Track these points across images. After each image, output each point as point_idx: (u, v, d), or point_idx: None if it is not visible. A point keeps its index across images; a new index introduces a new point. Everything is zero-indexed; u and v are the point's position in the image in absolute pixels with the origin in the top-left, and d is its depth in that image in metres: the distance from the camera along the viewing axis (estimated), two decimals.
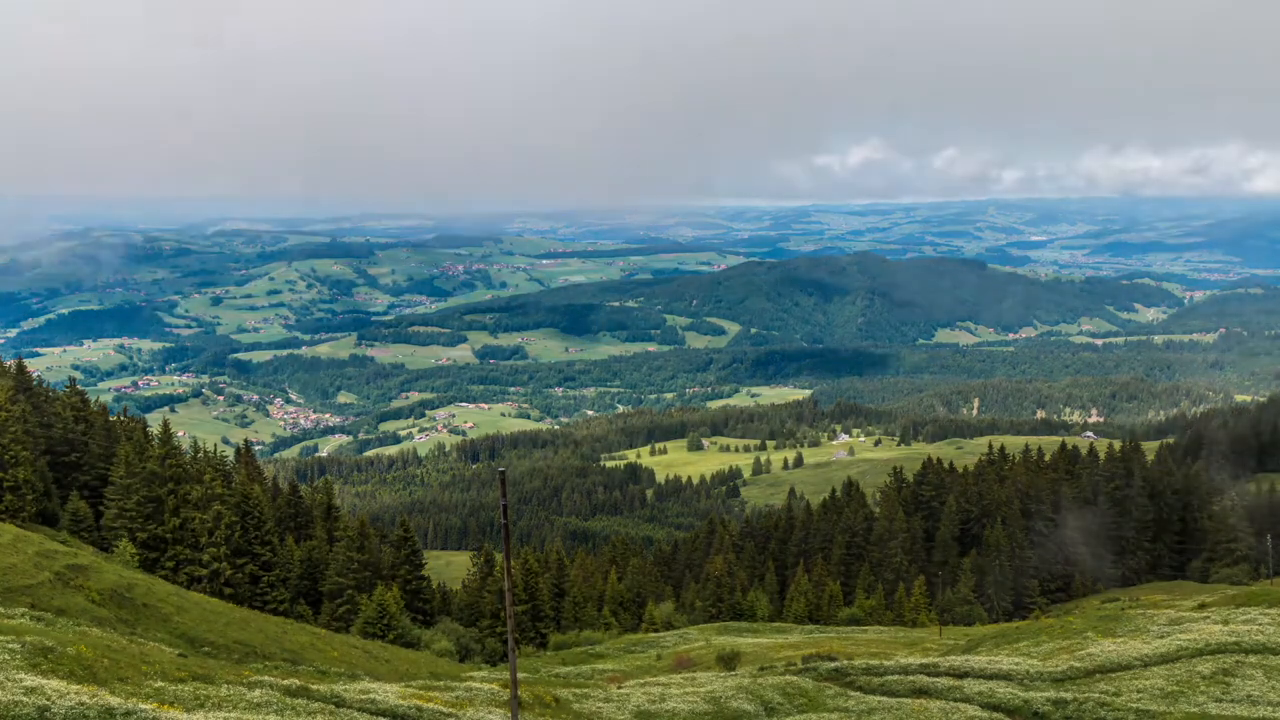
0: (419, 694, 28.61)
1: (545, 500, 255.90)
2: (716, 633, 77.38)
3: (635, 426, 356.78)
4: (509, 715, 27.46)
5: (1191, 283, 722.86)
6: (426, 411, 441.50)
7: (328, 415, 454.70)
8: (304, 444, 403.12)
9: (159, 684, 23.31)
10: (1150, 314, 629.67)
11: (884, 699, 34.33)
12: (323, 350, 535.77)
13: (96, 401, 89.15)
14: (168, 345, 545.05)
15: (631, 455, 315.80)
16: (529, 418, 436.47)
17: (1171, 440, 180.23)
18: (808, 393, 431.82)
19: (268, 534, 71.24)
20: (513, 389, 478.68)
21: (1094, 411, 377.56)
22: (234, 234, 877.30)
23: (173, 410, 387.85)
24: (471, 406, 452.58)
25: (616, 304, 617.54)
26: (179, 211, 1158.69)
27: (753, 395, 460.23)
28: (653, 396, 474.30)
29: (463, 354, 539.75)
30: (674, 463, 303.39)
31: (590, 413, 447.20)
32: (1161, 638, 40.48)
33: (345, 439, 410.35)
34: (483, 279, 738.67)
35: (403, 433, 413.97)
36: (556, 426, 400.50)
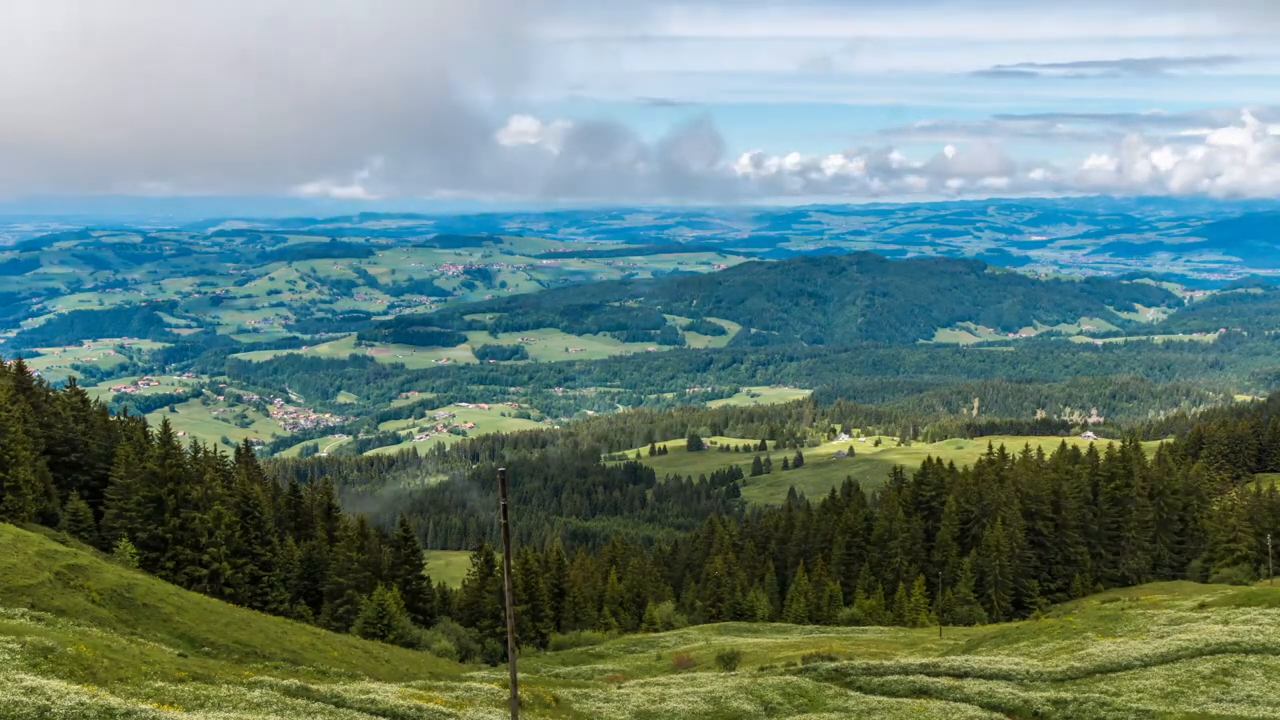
0: (419, 694, 28.63)
1: (545, 500, 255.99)
2: (716, 633, 77.42)
3: (635, 426, 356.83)
4: (509, 715, 27.46)
5: (1191, 283, 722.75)
6: (426, 411, 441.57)
7: (328, 415, 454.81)
8: (304, 444, 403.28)
9: (159, 684, 23.33)
10: (1150, 314, 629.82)
11: (884, 699, 34.37)
12: (323, 350, 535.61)
13: (96, 401, 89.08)
14: (168, 345, 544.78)
15: (631, 455, 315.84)
16: (529, 418, 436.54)
17: (1171, 440, 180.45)
18: (808, 393, 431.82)
19: (268, 534, 71.27)
20: (513, 389, 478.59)
21: (1094, 411, 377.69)
22: (234, 234, 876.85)
23: (173, 410, 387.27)
24: (471, 406, 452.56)
25: (616, 304, 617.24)
26: (179, 211, 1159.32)
27: (753, 395, 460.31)
28: (653, 396, 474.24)
29: (463, 354, 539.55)
30: (674, 463, 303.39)
31: (590, 413, 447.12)
32: (1161, 638, 40.50)
33: (345, 439, 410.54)
34: (483, 279, 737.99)
35: (403, 433, 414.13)
36: (556, 426, 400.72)
